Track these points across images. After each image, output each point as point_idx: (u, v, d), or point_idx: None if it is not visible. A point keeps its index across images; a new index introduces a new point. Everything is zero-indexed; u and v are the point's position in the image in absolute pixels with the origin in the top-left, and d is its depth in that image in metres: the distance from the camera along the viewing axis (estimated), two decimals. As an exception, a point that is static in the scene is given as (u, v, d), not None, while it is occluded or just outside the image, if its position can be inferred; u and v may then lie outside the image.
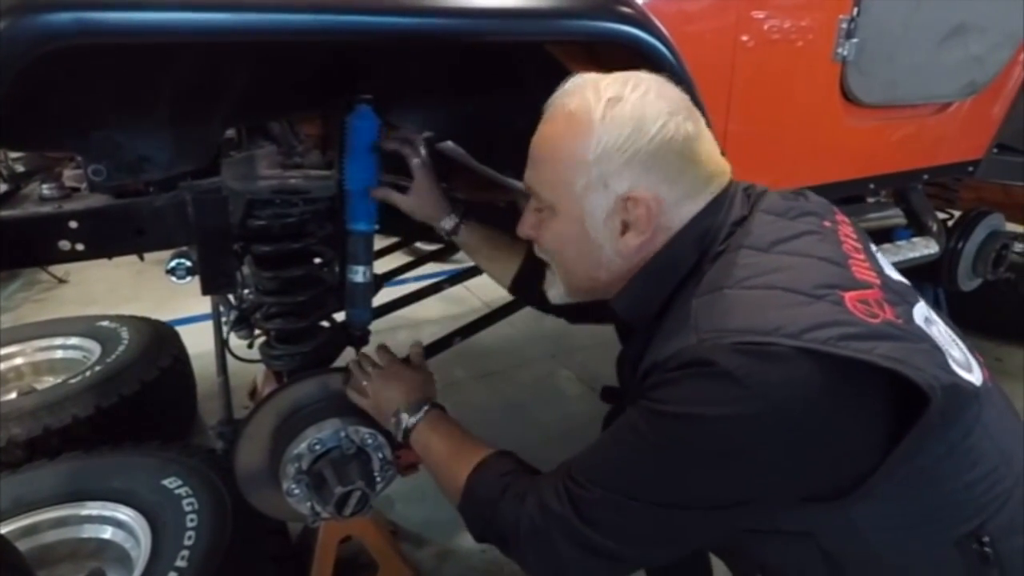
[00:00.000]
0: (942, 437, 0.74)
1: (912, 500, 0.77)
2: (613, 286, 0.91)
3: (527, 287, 1.26)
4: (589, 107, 0.82)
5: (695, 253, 0.84)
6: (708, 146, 0.86)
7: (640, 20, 0.98)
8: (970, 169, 1.94)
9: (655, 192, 0.82)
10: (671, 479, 0.75)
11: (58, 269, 3.81)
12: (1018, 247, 2.61)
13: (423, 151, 1.28)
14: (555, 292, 0.98)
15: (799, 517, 0.79)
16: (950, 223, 2.19)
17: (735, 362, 0.68)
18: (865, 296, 0.76)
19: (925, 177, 1.87)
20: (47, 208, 1.24)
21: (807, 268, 0.77)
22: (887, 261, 0.91)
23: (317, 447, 1.20)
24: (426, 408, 1.10)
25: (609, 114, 0.81)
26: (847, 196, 1.88)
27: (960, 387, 0.74)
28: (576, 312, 1.23)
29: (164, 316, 2.64)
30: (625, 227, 0.84)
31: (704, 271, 0.81)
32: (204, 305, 1.93)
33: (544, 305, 1.27)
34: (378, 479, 1.26)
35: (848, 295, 0.74)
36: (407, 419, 1.10)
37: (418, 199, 1.28)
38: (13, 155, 1.49)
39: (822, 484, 0.76)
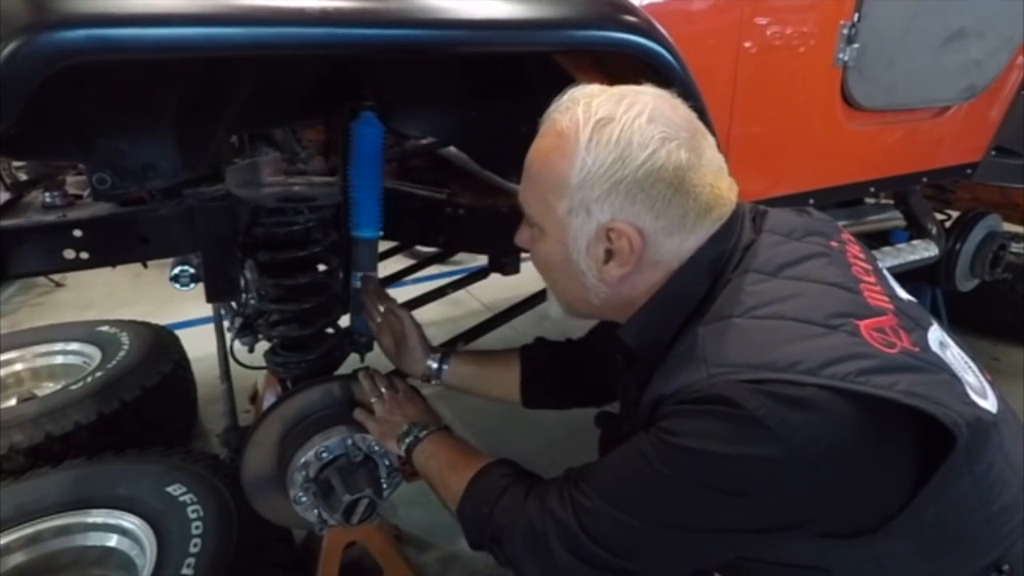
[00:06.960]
0: (969, 471, 0.72)
1: (937, 534, 0.74)
2: (610, 312, 0.88)
3: (538, 395, 1.25)
4: (577, 127, 0.77)
5: (707, 282, 0.80)
6: (706, 174, 0.78)
7: (646, 29, 0.98)
8: (968, 172, 1.95)
9: (638, 224, 0.77)
10: (677, 507, 0.73)
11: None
12: (1015, 247, 2.63)
13: (407, 318, 1.30)
14: (555, 309, 0.94)
15: (815, 552, 0.77)
16: (947, 224, 2.21)
17: (755, 402, 0.66)
18: (880, 324, 0.73)
19: (924, 180, 1.88)
20: (51, 217, 1.24)
21: (818, 295, 0.74)
22: (895, 281, 0.88)
23: (324, 455, 1.20)
24: (435, 427, 1.12)
25: (596, 137, 0.76)
26: (847, 199, 1.89)
27: (982, 420, 0.71)
28: (587, 399, 1.25)
29: (162, 320, 2.64)
30: (609, 255, 0.80)
31: (715, 298, 0.78)
32: (202, 309, 1.93)
33: (563, 405, 1.29)
34: (385, 486, 1.26)
35: (863, 324, 0.71)
36: (417, 432, 1.11)
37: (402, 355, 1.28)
38: (16, 163, 1.49)
39: (843, 523, 0.74)
